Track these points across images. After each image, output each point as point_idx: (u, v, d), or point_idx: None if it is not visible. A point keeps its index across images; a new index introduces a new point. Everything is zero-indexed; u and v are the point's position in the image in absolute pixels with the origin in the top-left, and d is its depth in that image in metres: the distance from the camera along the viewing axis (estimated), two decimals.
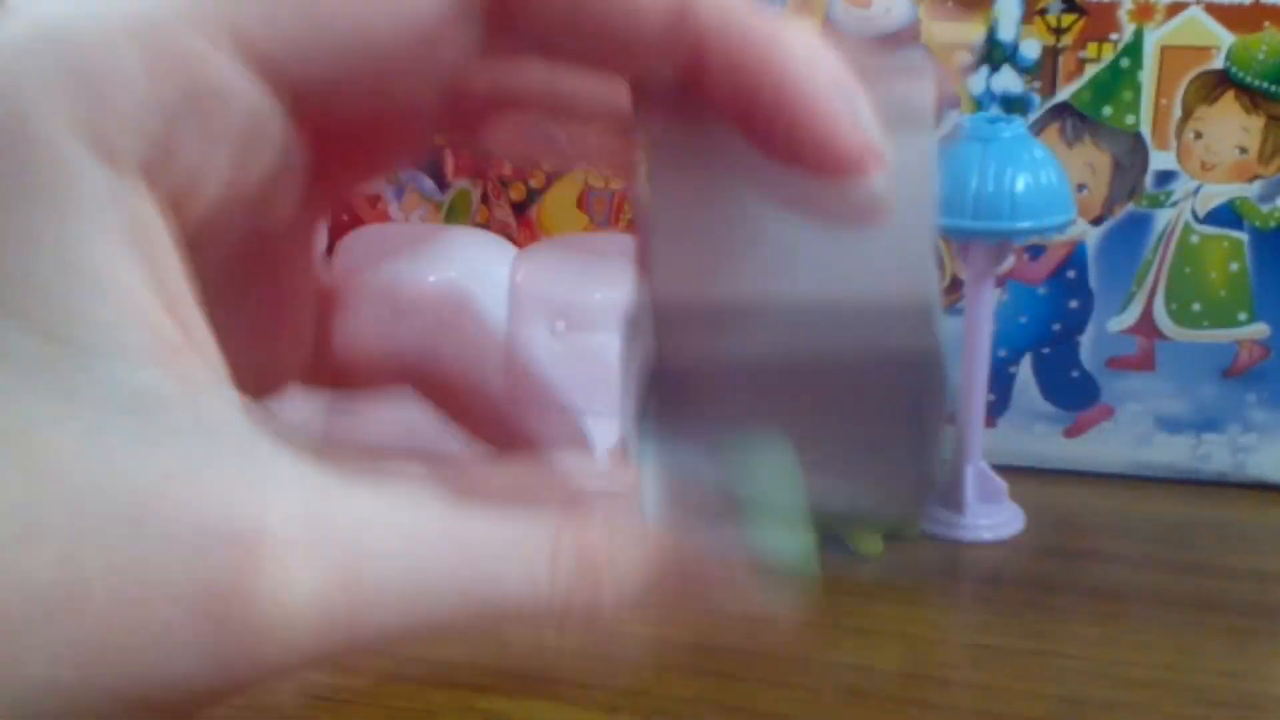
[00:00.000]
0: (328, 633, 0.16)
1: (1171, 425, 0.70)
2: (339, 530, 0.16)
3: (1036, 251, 0.68)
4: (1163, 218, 0.67)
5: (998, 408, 0.71)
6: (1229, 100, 0.65)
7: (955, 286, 0.69)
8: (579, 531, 0.18)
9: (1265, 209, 0.66)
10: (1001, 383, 0.70)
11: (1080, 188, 0.67)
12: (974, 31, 0.66)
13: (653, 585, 0.19)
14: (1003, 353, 0.70)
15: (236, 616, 0.15)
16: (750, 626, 0.19)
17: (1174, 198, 0.67)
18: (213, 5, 0.17)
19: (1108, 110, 0.66)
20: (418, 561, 0.16)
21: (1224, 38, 0.64)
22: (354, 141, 0.21)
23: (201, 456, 0.15)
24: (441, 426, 0.26)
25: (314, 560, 0.16)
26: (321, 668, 0.16)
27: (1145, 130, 0.66)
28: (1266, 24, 0.63)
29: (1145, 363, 0.69)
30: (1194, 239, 0.67)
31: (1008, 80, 0.66)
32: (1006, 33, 0.66)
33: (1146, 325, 0.69)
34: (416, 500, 0.17)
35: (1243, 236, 0.67)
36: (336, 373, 0.24)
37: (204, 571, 0.15)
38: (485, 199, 0.74)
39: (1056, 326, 0.70)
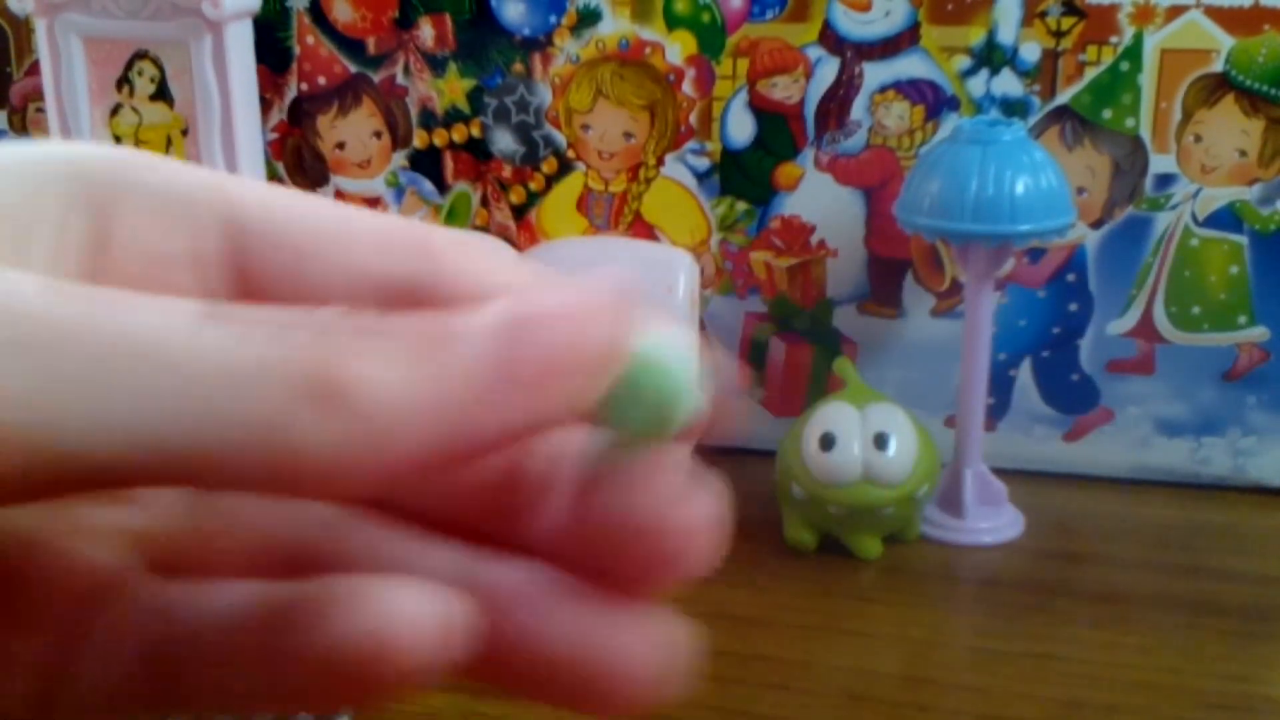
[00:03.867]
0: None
1: (1171, 428, 0.70)
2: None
3: (1036, 255, 0.68)
4: (1162, 221, 0.67)
5: (997, 411, 0.71)
6: (1229, 103, 0.65)
7: (955, 289, 0.69)
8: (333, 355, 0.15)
9: (1265, 212, 0.66)
10: (1001, 386, 0.70)
11: (1080, 191, 0.67)
12: (973, 35, 0.66)
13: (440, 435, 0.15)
14: (1002, 356, 0.70)
15: None
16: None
17: (1174, 201, 0.67)
18: None
19: (1108, 113, 0.66)
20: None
21: (1224, 41, 0.64)
22: None
23: None
24: None
25: None
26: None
27: (1145, 133, 0.66)
28: (1266, 27, 0.63)
29: (1145, 366, 0.69)
30: (1194, 242, 0.67)
31: (1007, 83, 0.66)
32: (1006, 35, 0.66)
33: (1146, 328, 0.69)
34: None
35: (1242, 240, 0.67)
36: None
37: None
38: (485, 202, 0.74)
39: (1056, 330, 0.70)
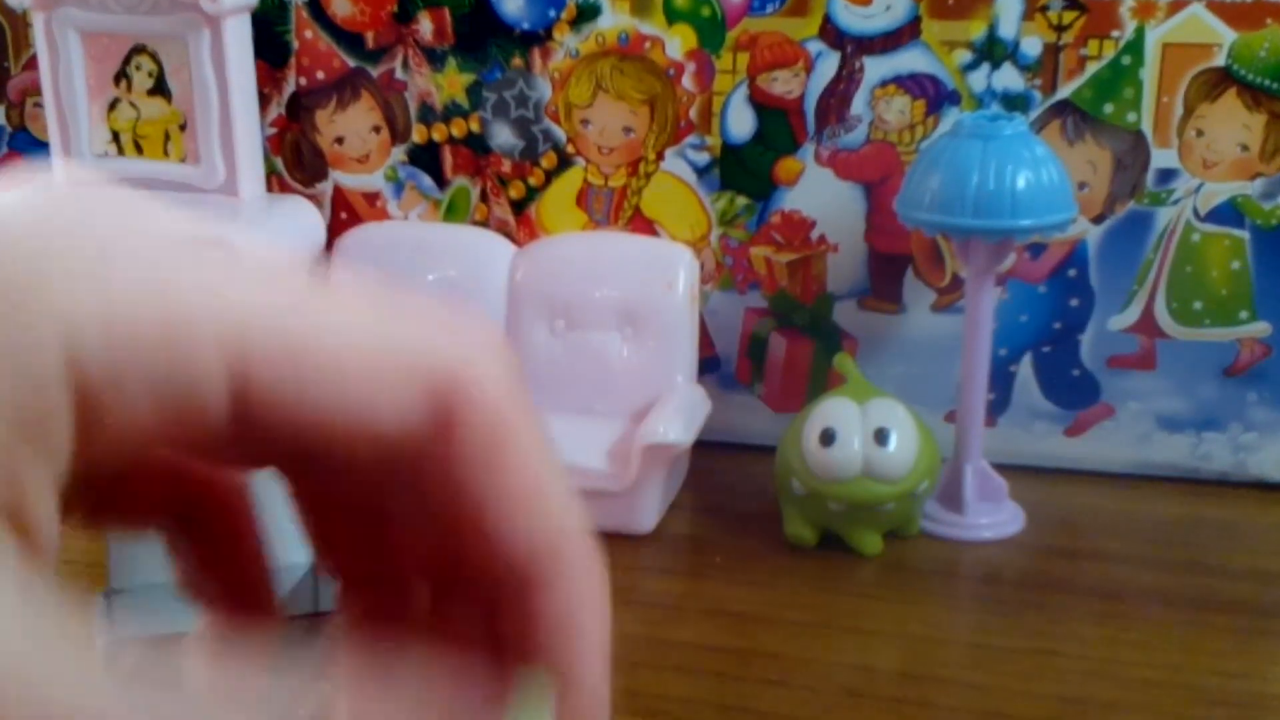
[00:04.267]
0: None
1: (1172, 424, 0.70)
2: None
3: (1037, 250, 0.68)
4: (1164, 216, 0.67)
5: (998, 406, 0.71)
6: (1230, 98, 0.65)
7: (956, 285, 0.69)
8: None
9: (1267, 207, 0.66)
10: (1002, 381, 0.70)
11: (1081, 186, 0.66)
12: (974, 29, 0.66)
13: None
14: (1003, 351, 0.70)
15: None
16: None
17: (1175, 196, 0.66)
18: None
19: (1109, 108, 0.66)
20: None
21: (1225, 35, 0.64)
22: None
23: None
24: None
25: None
26: None
27: (1146, 128, 0.66)
28: (1268, 21, 0.63)
29: (1146, 361, 0.69)
30: (1195, 237, 0.67)
31: (1009, 78, 0.66)
32: (1007, 29, 0.66)
33: (1147, 324, 0.69)
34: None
35: (1244, 235, 0.67)
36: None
37: None
38: (484, 196, 0.74)
39: (1057, 325, 0.69)
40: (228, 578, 0.21)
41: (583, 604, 0.19)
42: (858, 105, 0.68)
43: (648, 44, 0.69)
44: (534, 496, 0.18)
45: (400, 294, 0.18)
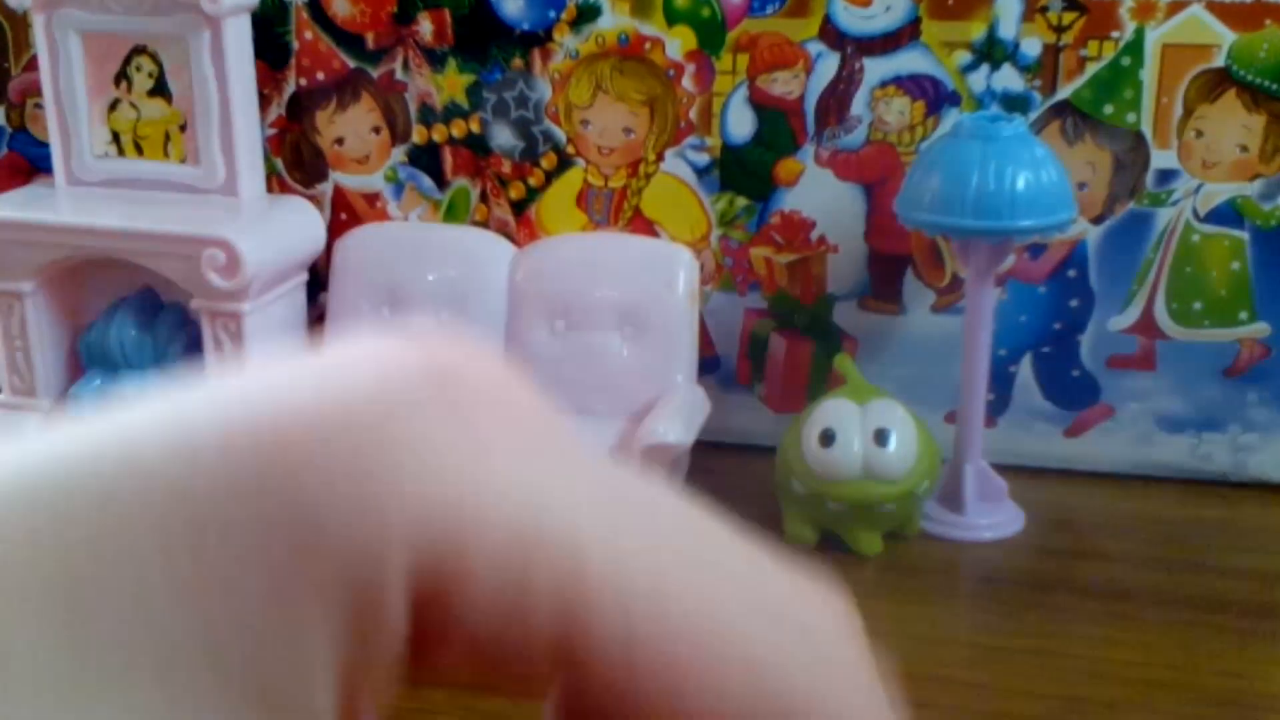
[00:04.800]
0: None
1: (1172, 424, 0.70)
2: None
3: (1037, 250, 0.68)
4: (1164, 216, 0.67)
5: (998, 407, 0.71)
6: (1230, 98, 0.65)
7: (955, 285, 0.69)
8: None
9: (1266, 208, 0.66)
10: (1002, 382, 0.70)
11: (1081, 186, 0.66)
12: (974, 29, 0.66)
13: None
14: (1003, 352, 0.70)
15: None
16: None
17: (1175, 196, 0.67)
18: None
19: (1109, 108, 0.66)
20: None
21: (1225, 36, 0.64)
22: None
23: None
24: None
25: None
26: None
27: (1146, 128, 0.66)
28: (1268, 22, 0.63)
29: (1146, 362, 0.69)
30: (1195, 238, 0.67)
31: (1008, 78, 0.66)
32: (1007, 30, 0.66)
33: (1147, 324, 0.69)
34: None
35: (1244, 235, 0.67)
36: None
37: None
38: (484, 197, 0.74)
39: (1057, 325, 0.69)
40: None
41: None
42: (857, 106, 0.68)
43: (648, 45, 0.69)
44: None
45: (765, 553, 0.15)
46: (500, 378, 0.15)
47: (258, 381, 0.14)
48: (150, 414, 0.13)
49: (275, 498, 0.13)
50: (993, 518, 0.65)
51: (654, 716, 0.14)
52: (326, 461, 0.13)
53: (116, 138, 0.73)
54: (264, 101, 0.74)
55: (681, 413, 0.65)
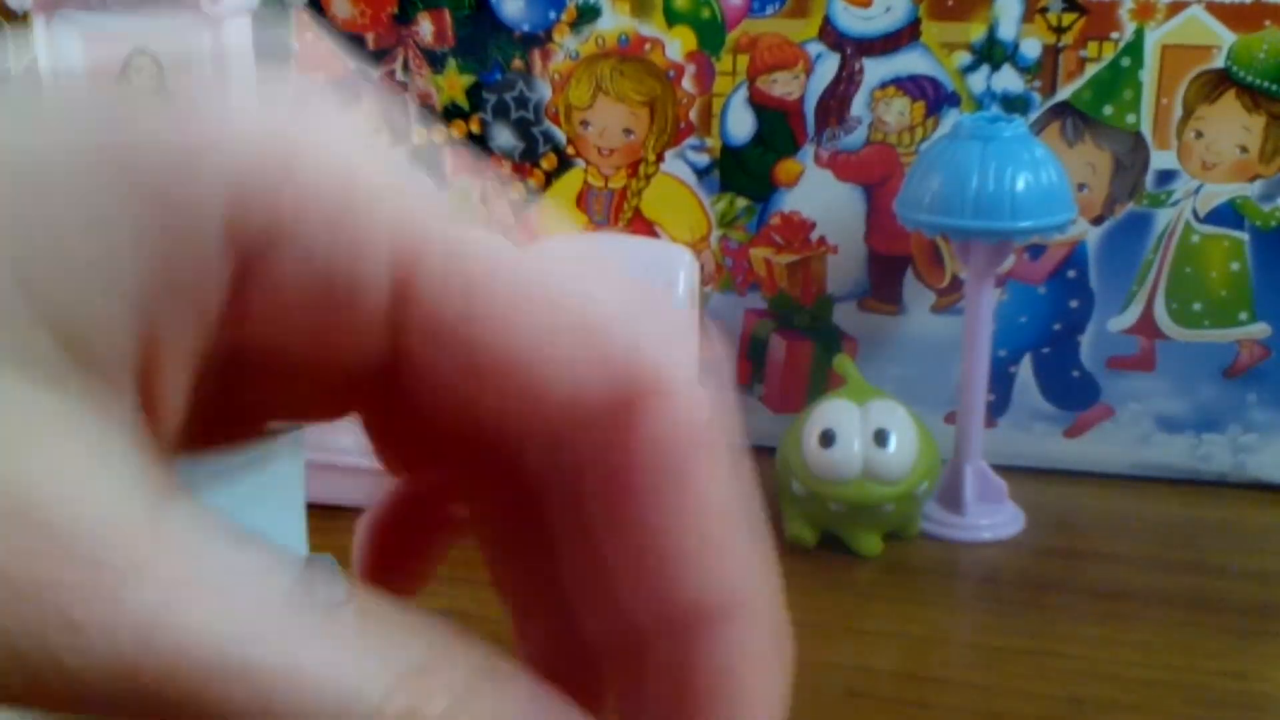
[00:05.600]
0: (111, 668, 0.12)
1: (1171, 425, 0.70)
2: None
3: (1037, 251, 0.68)
4: (1163, 217, 0.67)
5: (998, 407, 0.71)
6: (1230, 99, 0.65)
7: (955, 286, 0.69)
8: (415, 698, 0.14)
9: (1266, 208, 0.66)
10: (1002, 382, 0.70)
11: (1081, 187, 0.66)
12: (974, 30, 0.66)
13: None
14: (1003, 352, 0.70)
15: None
16: None
17: (1175, 197, 0.67)
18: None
19: (1108, 109, 0.66)
20: (238, 644, 0.13)
21: (1225, 37, 0.64)
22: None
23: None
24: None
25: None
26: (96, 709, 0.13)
27: (1146, 129, 0.66)
28: (1267, 23, 0.63)
29: (1145, 363, 0.69)
30: (1194, 238, 0.67)
31: (1008, 79, 0.66)
32: (1007, 31, 0.66)
33: (1147, 325, 0.69)
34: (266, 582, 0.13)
35: (1243, 236, 0.67)
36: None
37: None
38: (484, 198, 0.74)
39: (1057, 326, 0.70)
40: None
41: (759, 657, 0.16)
42: (857, 107, 0.68)
43: (648, 46, 0.69)
44: (718, 526, 0.15)
45: (605, 265, 0.16)
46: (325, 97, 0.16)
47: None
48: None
49: (105, 136, 0.13)
50: (992, 518, 0.65)
51: (486, 371, 0.14)
52: (154, 104, 0.14)
53: None
54: None
55: None
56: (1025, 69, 0.66)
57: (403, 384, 0.15)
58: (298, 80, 0.15)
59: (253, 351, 0.15)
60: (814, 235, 0.70)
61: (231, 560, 0.13)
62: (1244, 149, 0.65)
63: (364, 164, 0.14)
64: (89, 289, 0.13)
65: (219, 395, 0.15)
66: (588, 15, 0.69)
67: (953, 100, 0.67)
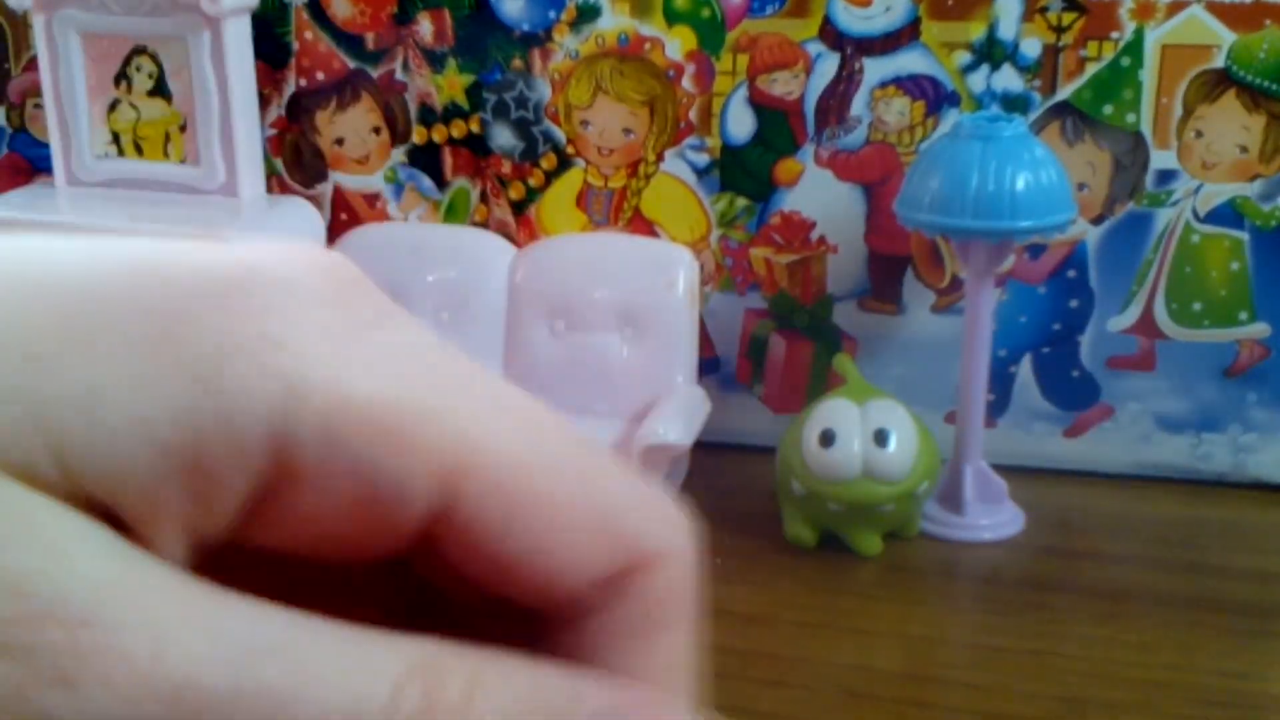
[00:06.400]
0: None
1: (1172, 425, 0.70)
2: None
3: (1037, 251, 0.68)
4: (1163, 217, 0.67)
5: (998, 407, 0.71)
6: (1230, 99, 0.65)
7: (955, 286, 0.69)
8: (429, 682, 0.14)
9: (1266, 208, 0.66)
10: (1001, 382, 0.70)
11: (1081, 187, 0.66)
12: (974, 30, 0.66)
13: None
14: (1003, 352, 0.70)
15: None
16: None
17: (1175, 197, 0.67)
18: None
19: (1108, 109, 0.66)
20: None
21: (1225, 36, 0.64)
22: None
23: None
24: None
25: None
26: None
27: (1146, 129, 0.66)
28: (1267, 22, 0.63)
29: (1145, 362, 0.69)
30: (1195, 238, 0.67)
31: (1008, 79, 0.66)
32: (1007, 31, 0.66)
33: (1147, 325, 0.69)
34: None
35: (1243, 236, 0.67)
36: None
37: None
38: (484, 198, 0.74)
39: (1057, 326, 0.70)
40: None
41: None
42: (857, 106, 0.68)
43: (647, 45, 0.69)
44: (680, 679, 0.17)
45: (598, 448, 0.17)
46: (369, 284, 0.16)
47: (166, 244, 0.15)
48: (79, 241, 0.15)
49: (159, 318, 0.14)
50: (992, 518, 0.65)
51: (509, 567, 0.15)
52: (206, 304, 0.14)
53: (116, 138, 0.73)
54: (264, 102, 0.74)
55: (681, 413, 0.65)
56: (1025, 68, 0.66)
57: (416, 567, 0.16)
58: (369, 295, 0.15)
59: (262, 539, 0.15)
60: (814, 235, 0.70)
61: (223, 596, 0.14)
62: (1244, 149, 0.65)
63: (418, 380, 0.15)
64: (119, 456, 0.13)
65: (209, 567, 0.16)
66: (588, 15, 0.69)
67: (953, 100, 0.67)
